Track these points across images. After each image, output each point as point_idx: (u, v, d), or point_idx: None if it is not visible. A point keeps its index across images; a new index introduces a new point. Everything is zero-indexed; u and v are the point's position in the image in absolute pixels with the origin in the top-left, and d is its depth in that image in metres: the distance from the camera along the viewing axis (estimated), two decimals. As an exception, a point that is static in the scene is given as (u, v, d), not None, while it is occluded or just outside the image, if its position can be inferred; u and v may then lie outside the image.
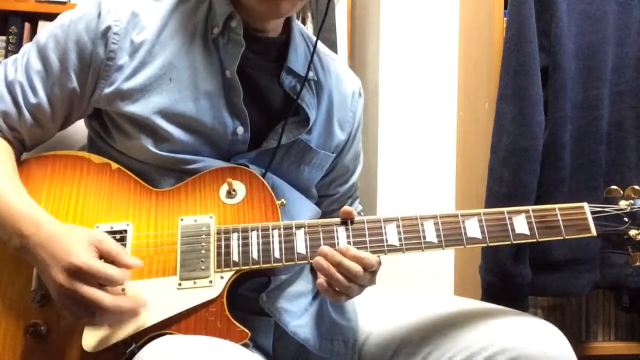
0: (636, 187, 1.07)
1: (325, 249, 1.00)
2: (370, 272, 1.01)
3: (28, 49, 1.10)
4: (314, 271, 1.25)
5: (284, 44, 1.18)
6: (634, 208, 1.05)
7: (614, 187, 1.08)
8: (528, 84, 1.73)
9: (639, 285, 1.83)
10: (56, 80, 1.07)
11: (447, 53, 2.12)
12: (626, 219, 1.04)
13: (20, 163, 1.08)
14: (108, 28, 1.06)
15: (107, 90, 1.06)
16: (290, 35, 1.18)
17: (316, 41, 1.18)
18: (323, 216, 1.26)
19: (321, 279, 0.99)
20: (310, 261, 1.02)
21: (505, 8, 1.82)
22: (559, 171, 1.77)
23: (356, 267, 0.98)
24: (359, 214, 1.36)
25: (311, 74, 1.18)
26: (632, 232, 1.04)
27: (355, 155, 1.33)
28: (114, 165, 1.09)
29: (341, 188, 1.33)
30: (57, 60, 1.07)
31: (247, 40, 1.09)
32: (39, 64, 1.08)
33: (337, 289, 0.99)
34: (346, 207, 1.05)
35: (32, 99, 1.07)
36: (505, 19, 1.81)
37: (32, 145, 1.13)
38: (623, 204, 1.06)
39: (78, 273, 0.90)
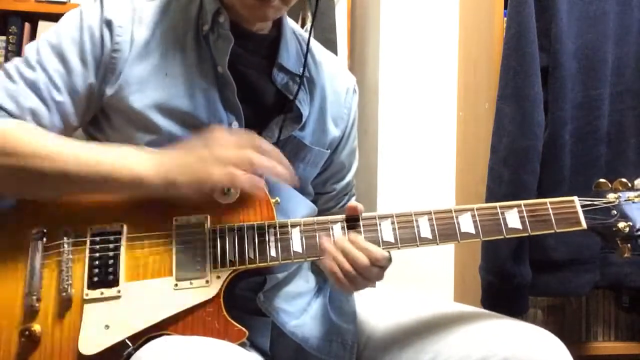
0: (623, 180, 1.08)
1: (337, 236, 1.01)
2: (378, 267, 1.01)
3: (36, 49, 1.08)
4: (314, 270, 1.25)
5: (274, 40, 1.18)
6: (622, 201, 1.07)
7: (602, 180, 1.10)
8: (528, 84, 1.73)
9: (639, 285, 1.83)
10: (78, 76, 1.07)
11: (447, 53, 2.12)
12: (615, 212, 1.06)
13: None
14: (112, 21, 1.07)
15: (116, 83, 1.06)
16: (281, 32, 1.18)
17: (309, 38, 1.18)
18: (320, 214, 1.26)
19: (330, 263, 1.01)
20: (308, 259, 1.03)
21: (505, 8, 1.81)
22: (559, 171, 1.77)
23: (362, 258, 0.99)
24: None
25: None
26: (621, 225, 1.05)
27: (350, 152, 1.32)
28: None
29: (337, 185, 1.32)
30: (77, 57, 1.06)
31: (237, 37, 1.10)
32: (57, 62, 1.06)
33: (343, 275, 1.00)
34: (351, 203, 1.05)
35: (58, 97, 1.06)
36: (505, 19, 1.81)
37: None
38: (611, 197, 1.07)
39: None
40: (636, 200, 1.07)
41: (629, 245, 1.06)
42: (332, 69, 1.28)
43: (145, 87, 1.07)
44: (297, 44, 1.22)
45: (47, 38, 1.09)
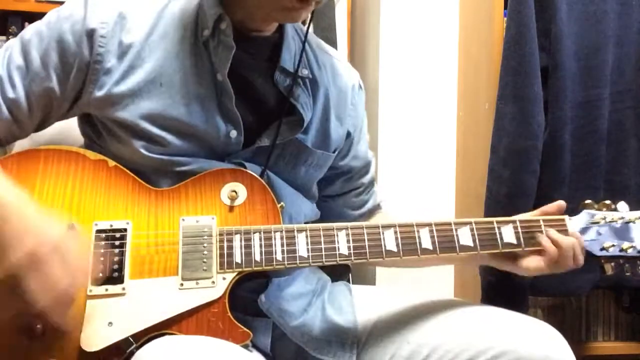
0: (607, 202, 1.14)
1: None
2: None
3: (12, 44, 1.07)
4: (314, 270, 1.25)
5: (276, 42, 1.16)
6: (607, 222, 1.12)
7: (588, 201, 1.15)
8: (528, 84, 1.74)
9: (639, 285, 1.83)
10: (35, 77, 1.04)
11: (447, 53, 2.12)
12: (601, 232, 1.11)
13: (8, 157, 1.05)
14: (94, 30, 1.03)
15: (98, 94, 1.04)
16: (283, 34, 1.16)
17: (305, 38, 1.17)
18: (355, 210, 1.30)
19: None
20: (312, 264, 1.03)
21: (505, 8, 1.82)
22: (559, 171, 1.77)
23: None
24: (379, 205, 1.37)
25: (306, 72, 1.17)
26: (606, 244, 1.11)
27: (367, 145, 1.33)
28: (111, 163, 1.06)
29: (364, 179, 1.33)
30: (39, 57, 1.04)
31: (238, 41, 1.07)
32: (21, 60, 1.05)
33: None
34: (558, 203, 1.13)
35: (10, 94, 1.04)
36: (505, 19, 1.81)
37: (7, 140, 1.10)
38: (598, 217, 1.13)
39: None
40: (619, 221, 1.12)
41: (612, 264, 1.12)
42: (336, 66, 1.26)
43: (138, 98, 1.05)
44: (299, 44, 1.19)
45: (22, 34, 1.07)
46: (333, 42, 2.13)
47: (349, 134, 1.26)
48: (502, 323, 1.08)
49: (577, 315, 1.99)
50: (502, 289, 1.76)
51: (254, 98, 1.12)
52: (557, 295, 1.93)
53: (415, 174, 2.09)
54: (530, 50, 1.73)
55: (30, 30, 1.07)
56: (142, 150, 1.05)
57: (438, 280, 2.07)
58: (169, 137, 1.05)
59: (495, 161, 1.79)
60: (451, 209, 2.09)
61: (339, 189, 1.30)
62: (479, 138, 1.96)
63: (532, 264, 1.10)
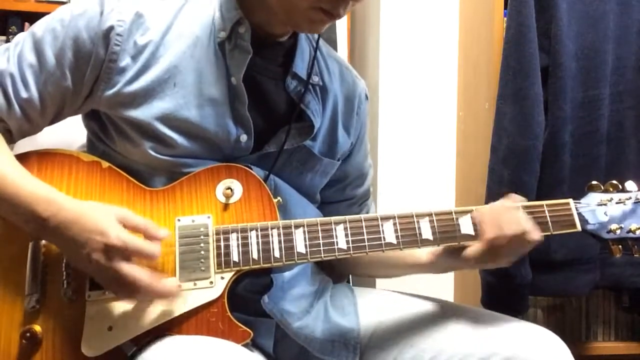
0: (614, 182, 1.10)
1: None
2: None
3: (22, 40, 1.05)
4: (317, 270, 1.25)
5: (290, 47, 1.15)
6: (614, 203, 1.09)
7: (594, 182, 1.12)
8: (528, 84, 1.73)
9: (639, 285, 1.83)
10: (50, 77, 1.03)
11: (447, 53, 2.12)
12: (607, 214, 1.08)
13: None
14: (110, 28, 1.02)
15: (108, 92, 1.03)
16: (297, 39, 1.16)
17: (317, 44, 1.16)
18: None
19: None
20: (311, 260, 1.02)
21: (505, 8, 1.82)
22: (559, 171, 1.77)
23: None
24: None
25: (316, 79, 1.16)
26: (613, 226, 1.07)
27: (365, 156, 1.32)
28: (105, 164, 1.06)
29: (357, 191, 1.31)
30: (53, 56, 1.02)
31: (254, 45, 1.07)
32: (34, 58, 1.03)
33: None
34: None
35: (23, 94, 1.03)
36: (505, 19, 1.81)
37: (19, 137, 1.09)
38: (604, 198, 1.09)
39: (114, 252, 0.90)
40: (627, 202, 1.08)
41: (620, 246, 1.09)
42: (344, 74, 1.25)
43: (151, 98, 1.04)
44: (311, 50, 1.18)
45: (33, 30, 1.05)
46: (333, 42, 2.13)
47: (350, 144, 1.25)
48: (505, 329, 1.08)
49: (577, 315, 1.99)
50: (502, 289, 1.76)
51: (265, 103, 1.12)
52: (557, 295, 1.92)
53: (415, 174, 2.09)
54: (530, 50, 1.73)
55: (42, 27, 1.05)
56: (150, 151, 1.04)
57: (438, 281, 2.07)
58: (178, 138, 1.04)
59: (495, 161, 1.79)
60: (451, 209, 2.09)
61: (332, 196, 1.28)
62: (479, 138, 1.96)
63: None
